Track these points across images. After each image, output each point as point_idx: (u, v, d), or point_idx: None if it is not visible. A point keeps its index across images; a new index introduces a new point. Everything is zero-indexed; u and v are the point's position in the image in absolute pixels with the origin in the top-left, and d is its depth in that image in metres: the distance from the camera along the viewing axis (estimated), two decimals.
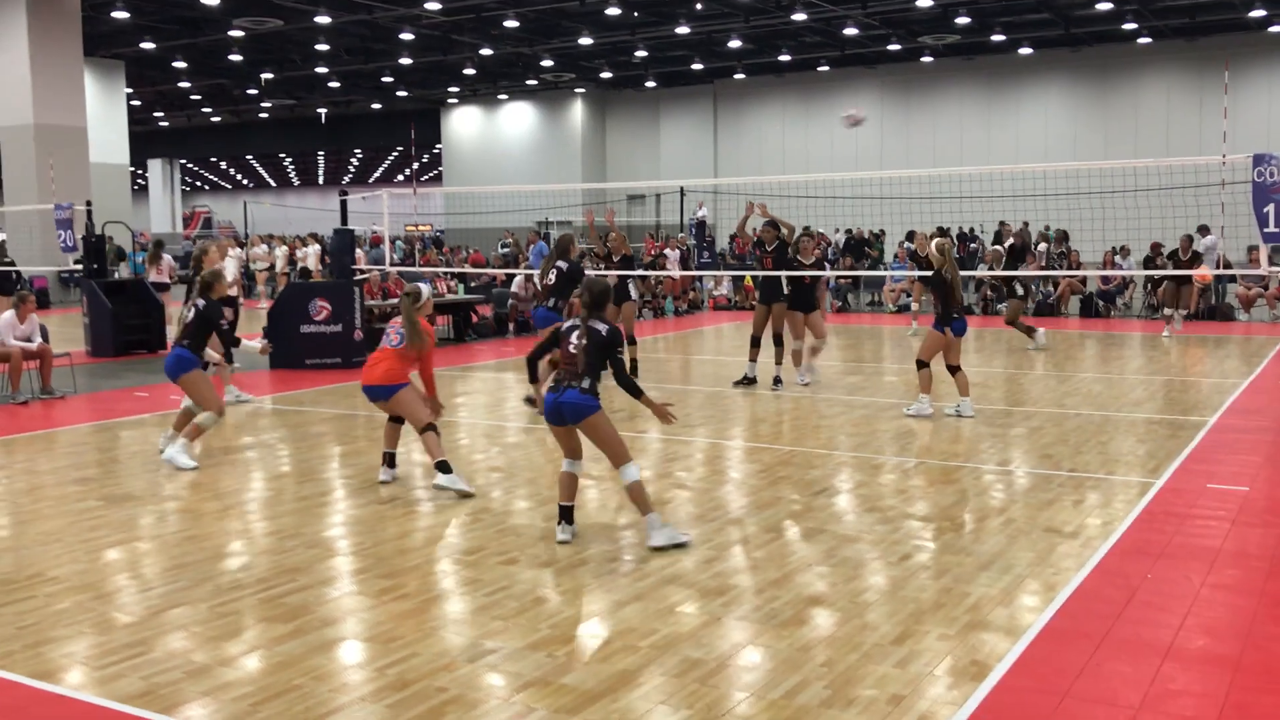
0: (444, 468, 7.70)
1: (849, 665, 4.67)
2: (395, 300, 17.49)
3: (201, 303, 8.98)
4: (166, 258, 18.29)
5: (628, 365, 12.61)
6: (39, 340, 12.35)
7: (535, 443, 9.74)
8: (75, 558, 6.31)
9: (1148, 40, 33.74)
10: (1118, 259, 22.18)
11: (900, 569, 5.96)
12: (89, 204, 18.29)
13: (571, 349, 6.44)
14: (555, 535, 6.54)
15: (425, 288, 8.13)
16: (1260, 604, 5.40)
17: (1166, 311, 18.63)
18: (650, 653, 4.82)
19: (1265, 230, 10.21)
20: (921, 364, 10.68)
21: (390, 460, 8.16)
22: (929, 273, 10.98)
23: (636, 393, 6.61)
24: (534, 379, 10.56)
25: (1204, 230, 21.79)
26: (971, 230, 29.11)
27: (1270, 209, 10.07)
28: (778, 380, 12.42)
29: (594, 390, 6.42)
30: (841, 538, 6.56)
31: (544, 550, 6.37)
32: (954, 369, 10.62)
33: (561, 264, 11.26)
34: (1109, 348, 16.58)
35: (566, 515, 6.55)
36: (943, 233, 26.13)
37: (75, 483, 8.23)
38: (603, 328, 6.45)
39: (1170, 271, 20.91)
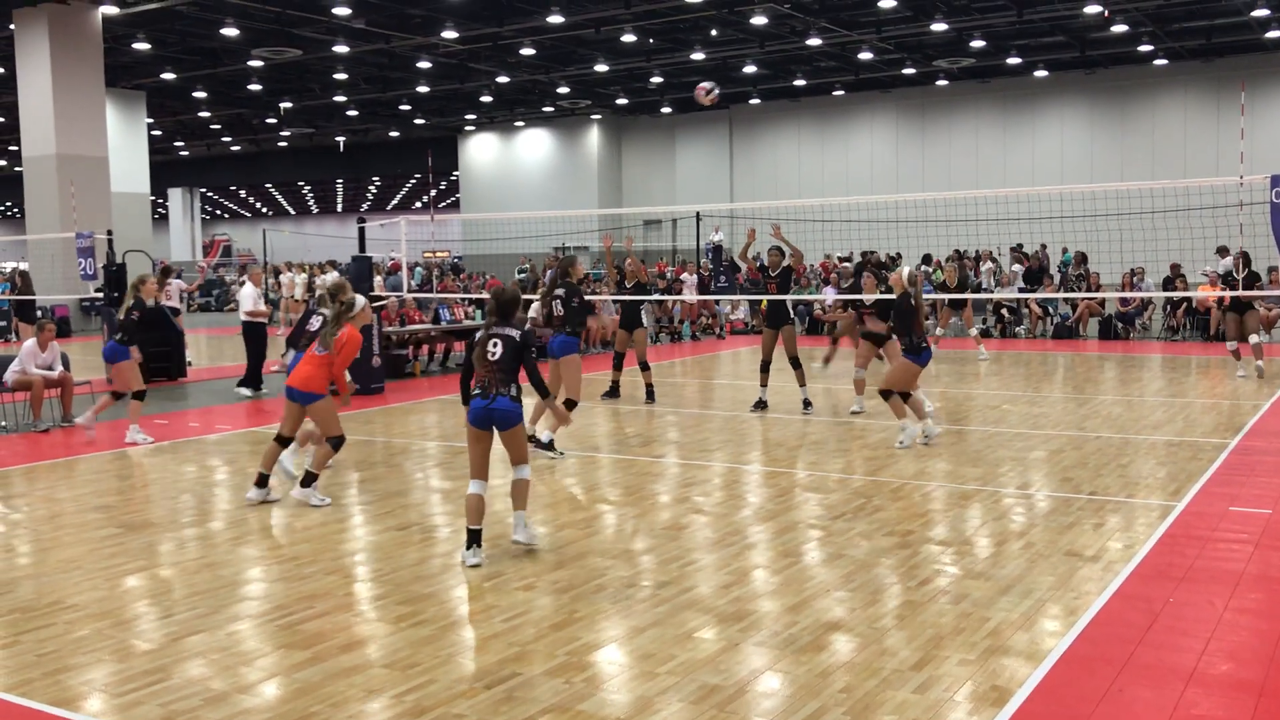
0: (308, 480, 8.17)
1: (868, 691, 4.64)
2: (415, 326, 17.57)
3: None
4: (175, 282, 18.46)
5: (619, 387, 12.64)
6: (60, 369, 12.45)
7: (546, 468, 9.74)
8: (95, 585, 6.34)
9: (1164, 62, 33.70)
10: (1135, 280, 22.10)
11: (919, 593, 5.92)
12: (110, 233, 18.46)
13: (490, 358, 6.74)
14: (465, 561, 6.61)
15: (361, 299, 8.41)
16: None
17: (1230, 346, 15.57)
18: (668, 679, 4.80)
19: None
20: (887, 393, 10.30)
21: (263, 481, 8.36)
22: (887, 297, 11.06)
23: (545, 393, 7.13)
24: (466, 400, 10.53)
25: (1223, 251, 21.72)
26: (990, 253, 29.07)
27: None
28: (807, 403, 12.47)
29: (520, 397, 6.84)
30: (860, 562, 6.53)
31: (562, 575, 6.37)
32: (906, 395, 10.34)
33: (560, 290, 10.60)
34: (1128, 370, 16.49)
35: (476, 539, 6.67)
36: (960, 256, 26.15)
37: (95, 510, 8.27)
38: (515, 333, 6.85)
39: (1188, 293, 20.84)
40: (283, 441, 8.38)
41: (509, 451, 6.97)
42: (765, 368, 12.71)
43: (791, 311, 12.27)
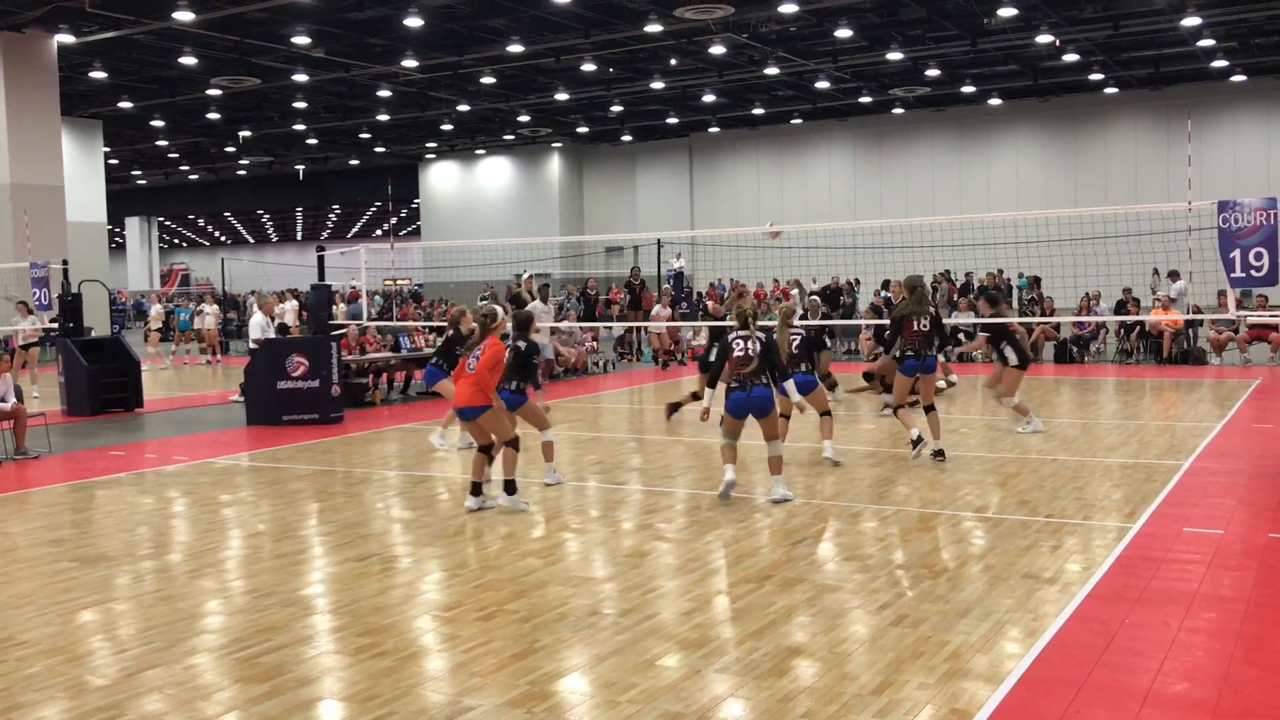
0: (510, 488, 8.78)
1: (829, 716, 4.65)
2: (375, 355, 17.49)
3: (523, 344, 9.74)
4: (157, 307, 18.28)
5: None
6: (13, 400, 12.26)
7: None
8: (48, 620, 6.24)
9: (1114, 90, 34.39)
10: (1092, 305, 22.42)
11: (880, 617, 5.96)
12: (65, 262, 18.26)
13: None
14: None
15: (499, 309, 9.17)
16: (1237, 647, 5.42)
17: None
18: (630, 707, 4.79)
19: (1232, 275, 10.38)
20: (898, 407, 10.84)
21: (476, 489, 8.90)
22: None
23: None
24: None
25: (1174, 275, 22.11)
26: (947, 273, 29.40)
27: (1236, 254, 10.25)
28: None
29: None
30: (821, 587, 6.56)
31: (523, 605, 6.35)
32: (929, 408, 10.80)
33: (520, 343, 9.76)
34: (1083, 393, 16.71)
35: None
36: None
37: (49, 544, 8.14)
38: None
39: (1141, 317, 21.17)
40: (485, 451, 8.96)
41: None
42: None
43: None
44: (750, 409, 8.71)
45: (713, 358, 10.26)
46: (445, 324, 11.93)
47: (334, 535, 8.28)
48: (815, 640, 5.62)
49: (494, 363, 8.71)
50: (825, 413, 10.76)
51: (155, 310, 28.10)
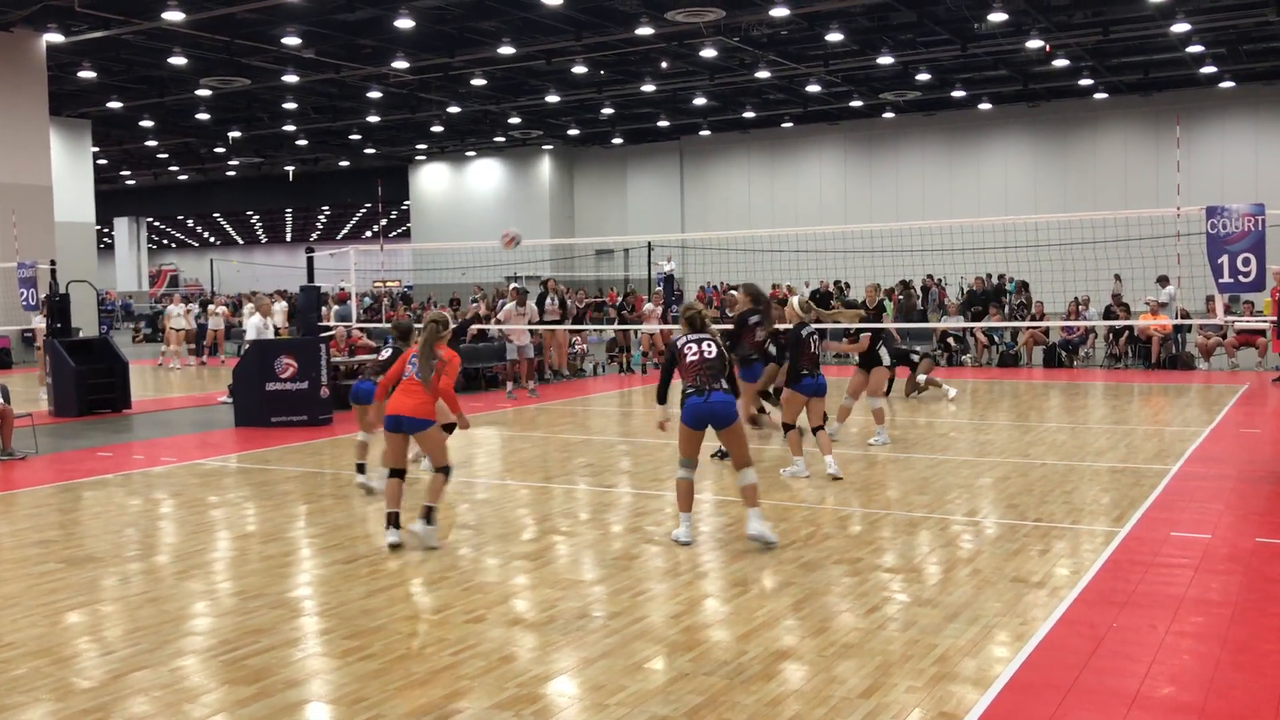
0: (429, 516, 7.77)
1: (817, 719, 4.65)
2: (362, 357, 17.44)
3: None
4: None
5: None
6: (0, 401, 12.20)
7: (504, 498, 9.70)
8: (34, 622, 6.21)
9: (1104, 96, 34.51)
10: (1081, 310, 22.48)
11: (868, 621, 5.96)
12: (53, 263, 18.19)
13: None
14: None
15: (445, 316, 8.22)
16: (1224, 650, 5.44)
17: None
18: (619, 709, 4.79)
19: (1220, 280, 10.42)
20: (788, 427, 10.31)
21: (395, 520, 7.86)
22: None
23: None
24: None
25: (1164, 281, 22.18)
26: (940, 280, 29.48)
27: (1224, 260, 10.29)
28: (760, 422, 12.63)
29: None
30: (810, 590, 6.56)
31: (511, 608, 6.34)
32: (816, 429, 10.32)
33: (400, 346, 9.37)
34: (1072, 398, 16.75)
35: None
36: (906, 286, 26.49)
37: (35, 545, 8.10)
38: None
39: (1130, 322, 21.25)
40: (399, 475, 7.92)
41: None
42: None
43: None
44: (710, 418, 7.63)
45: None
46: (392, 333, 9.82)
47: (322, 537, 8.26)
48: (803, 644, 5.62)
49: (454, 374, 7.96)
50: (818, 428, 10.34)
51: (176, 310, 28.13)
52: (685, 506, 7.83)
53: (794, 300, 10.65)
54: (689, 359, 7.79)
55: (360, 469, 10.06)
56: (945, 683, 5.04)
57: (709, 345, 7.81)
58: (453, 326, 8.40)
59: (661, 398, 8.08)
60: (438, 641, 5.78)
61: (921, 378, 16.45)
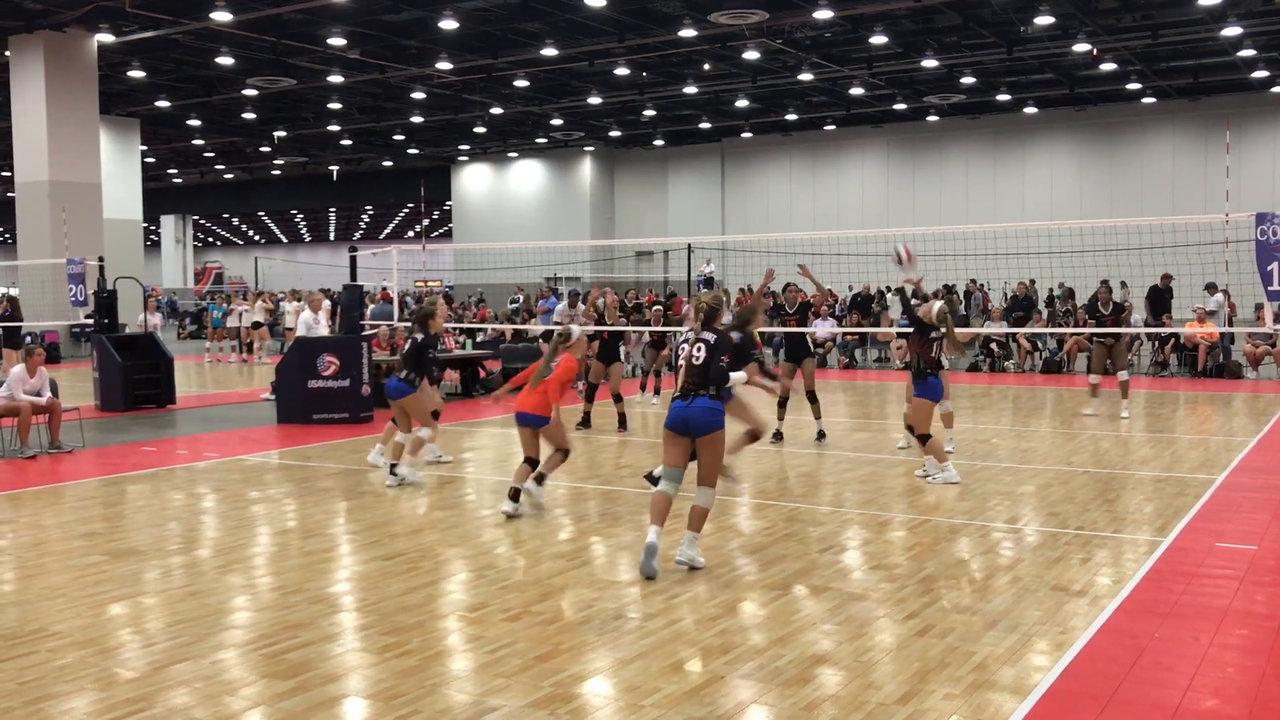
0: (540, 480, 9.04)
1: None
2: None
3: (420, 337, 10.40)
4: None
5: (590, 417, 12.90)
6: (48, 395, 12.41)
7: (543, 498, 9.74)
8: (79, 613, 6.31)
9: (1152, 100, 34.07)
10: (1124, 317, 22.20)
11: (906, 627, 5.92)
12: (101, 259, 18.47)
13: (694, 361, 7.25)
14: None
15: (576, 328, 9.28)
16: (1269, 664, 5.35)
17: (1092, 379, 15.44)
18: (653, 711, 4.79)
19: (1270, 288, 10.26)
20: (925, 437, 10.12)
21: (516, 495, 8.83)
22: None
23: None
24: None
25: (1212, 288, 21.86)
26: (982, 285, 29.21)
27: (1274, 267, 10.13)
28: (821, 434, 12.84)
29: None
30: (847, 595, 6.53)
31: (548, 607, 6.35)
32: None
33: (418, 335, 10.51)
34: (1115, 405, 16.53)
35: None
36: (949, 290, 26.27)
37: (81, 537, 8.23)
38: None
39: (1175, 329, 20.95)
40: (531, 463, 8.97)
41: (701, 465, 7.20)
42: (783, 403, 12.78)
43: (812, 346, 12.37)
44: (688, 424, 7.08)
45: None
46: (412, 323, 10.97)
47: (361, 534, 8.32)
48: (840, 648, 5.59)
49: (567, 376, 8.91)
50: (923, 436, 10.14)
51: (245, 307, 28.56)
52: (656, 520, 7.11)
53: (937, 305, 10.26)
54: (680, 359, 7.35)
55: (392, 469, 10.31)
56: (983, 690, 4.99)
57: (699, 347, 7.19)
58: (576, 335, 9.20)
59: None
60: (474, 639, 5.80)
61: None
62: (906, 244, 10.67)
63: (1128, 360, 15.02)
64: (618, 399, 14.12)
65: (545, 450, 9.11)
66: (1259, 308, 19.36)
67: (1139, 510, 8.90)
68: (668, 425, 7.21)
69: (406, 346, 10.63)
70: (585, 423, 14.17)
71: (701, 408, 7.06)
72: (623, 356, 14.15)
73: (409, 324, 11.34)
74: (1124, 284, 22.70)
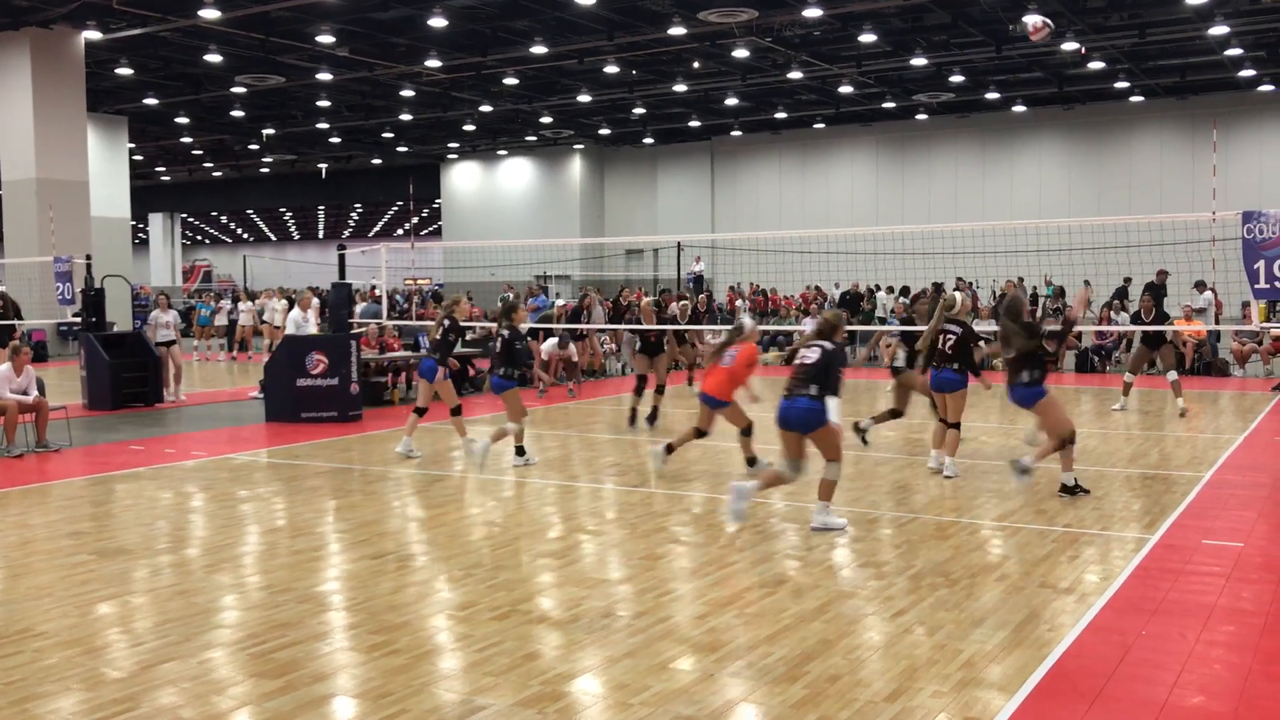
0: (752, 462, 10.31)
1: None
2: (393, 354, 17.55)
3: (507, 332, 10.97)
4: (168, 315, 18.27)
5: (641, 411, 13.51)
6: (35, 393, 12.36)
7: (531, 496, 9.73)
8: (65, 612, 6.28)
9: (1140, 99, 34.16)
10: (1113, 315, 22.27)
11: (894, 624, 5.93)
12: (89, 257, 18.39)
13: (806, 361, 8.15)
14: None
15: (749, 320, 10.32)
16: (1255, 660, 5.38)
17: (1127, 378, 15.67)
18: (642, 709, 4.79)
19: (1256, 286, 10.30)
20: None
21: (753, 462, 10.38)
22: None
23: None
24: None
25: (1200, 286, 21.95)
26: (971, 284, 29.29)
27: (1260, 265, 10.17)
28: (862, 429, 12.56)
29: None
30: (836, 593, 6.54)
31: (536, 606, 6.35)
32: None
33: (505, 331, 11.03)
34: (1104, 402, 16.59)
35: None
36: (938, 289, 26.33)
37: (68, 536, 8.20)
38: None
39: (1162, 327, 21.00)
40: (702, 435, 10.23)
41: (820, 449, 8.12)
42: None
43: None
44: (790, 422, 8.02)
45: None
46: (441, 313, 11.99)
47: (350, 533, 8.31)
48: (829, 646, 5.60)
49: (748, 362, 9.90)
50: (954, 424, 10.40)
51: (246, 307, 28.50)
52: (763, 483, 8.44)
53: (959, 295, 10.79)
54: (795, 361, 8.30)
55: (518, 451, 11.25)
56: (971, 688, 5.01)
57: (815, 351, 8.10)
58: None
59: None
60: (463, 638, 5.80)
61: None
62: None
63: (1172, 361, 15.25)
64: (660, 390, 14.34)
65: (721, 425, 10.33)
66: (1245, 305, 19.44)
67: (1127, 508, 8.94)
68: (777, 422, 8.18)
69: (498, 343, 11.03)
70: (645, 418, 14.08)
71: (802, 408, 7.95)
72: (665, 349, 14.57)
73: (442, 320, 11.71)
74: (1086, 282, 22.68)
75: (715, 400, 9.98)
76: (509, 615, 6.15)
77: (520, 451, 11.24)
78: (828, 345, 8.15)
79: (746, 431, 10.38)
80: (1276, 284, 10.26)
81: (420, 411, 11.86)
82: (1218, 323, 19.90)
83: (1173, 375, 15.00)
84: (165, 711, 4.81)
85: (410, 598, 6.57)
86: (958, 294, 10.73)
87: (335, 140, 42.79)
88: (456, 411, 11.91)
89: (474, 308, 26.35)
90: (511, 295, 30.19)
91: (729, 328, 10.61)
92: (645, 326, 14.69)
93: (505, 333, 11.02)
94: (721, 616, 6.13)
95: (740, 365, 9.93)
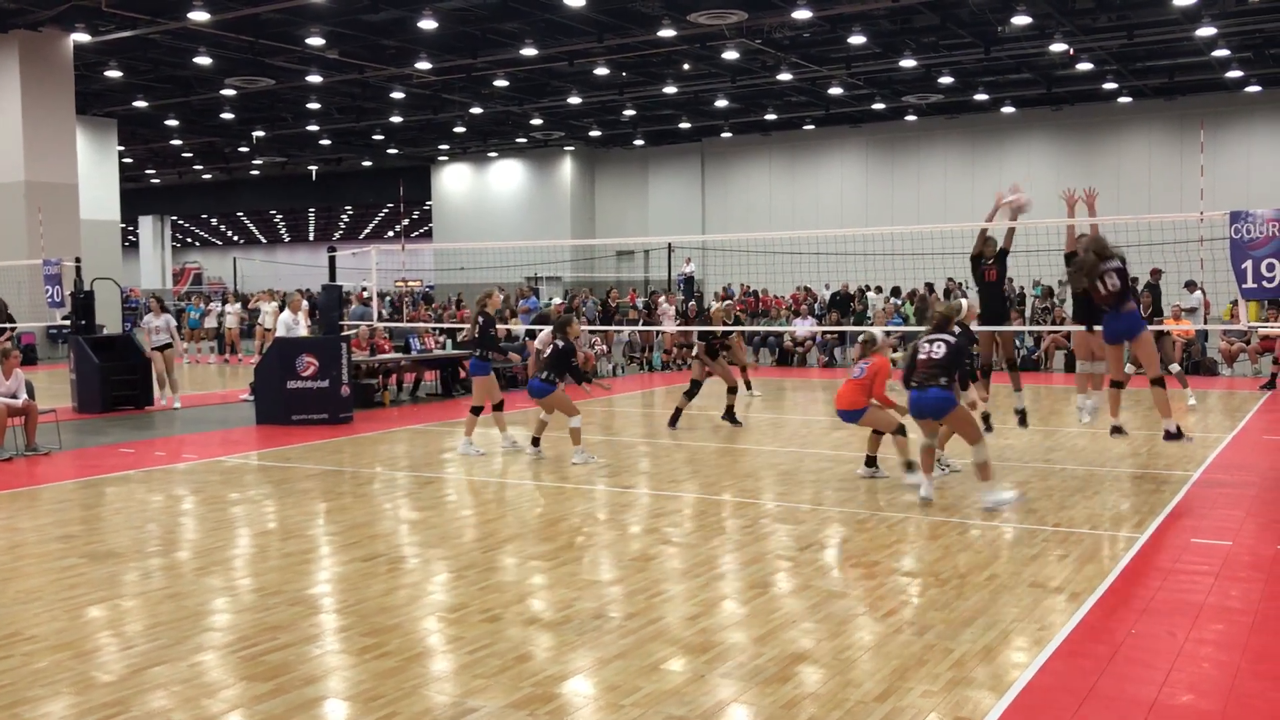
0: (911, 467, 9.75)
1: None
2: (384, 356, 17.53)
3: (561, 343, 11.42)
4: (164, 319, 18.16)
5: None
6: (24, 397, 12.31)
7: (522, 498, 9.73)
8: (55, 616, 6.27)
9: (1128, 100, 34.29)
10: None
11: (885, 625, 5.95)
12: (78, 260, 18.34)
13: (934, 356, 8.81)
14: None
15: (879, 332, 10.27)
16: (1244, 659, 5.40)
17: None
18: (634, 710, 4.80)
19: (1244, 286, 10.34)
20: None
21: (871, 462, 10.39)
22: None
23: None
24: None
25: (1191, 286, 22.02)
26: (961, 285, 29.32)
27: (1248, 265, 10.21)
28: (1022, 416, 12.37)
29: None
30: (827, 593, 6.55)
31: (527, 608, 6.36)
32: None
33: (559, 342, 11.64)
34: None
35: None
36: (930, 290, 26.39)
37: (57, 540, 8.18)
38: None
39: (1153, 327, 21.08)
40: (879, 433, 10.15)
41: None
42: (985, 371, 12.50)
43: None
44: (922, 410, 8.83)
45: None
46: (474, 309, 12.47)
47: (341, 535, 8.30)
48: (820, 646, 5.61)
49: (878, 372, 9.84)
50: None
51: (233, 309, 28.45)
52: (926, 469, 9.18)
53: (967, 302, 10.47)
54: (920, 356, 8.88)
55: (534, 442, 11.84)
56: (961, 687, 5.02)
57: (939, 346, 8.83)
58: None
59: (905, 383, 9.06)
60: (454, 640, 5.80)
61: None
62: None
63: (1172, 354, 15.54)
64: (732, 390, 14.45)
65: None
66: (1234, 305, 19.52)
67: (1116, 507, 8.97)
68: (911, 412, 8.98)
69: (549, 351, 11.65)
70: (730, 416, 14.31)
71: (934, 397, 8.69)
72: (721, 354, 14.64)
73: (477, 316, 12.28)
74: (1061, 282, 22.71)
75: (848, 413, 9.97)
76: (500, 617, 6.15)
77: (535, 443, 11.84)
78: (949, 338, 8.88)
79: (900, 431, 10.02)
80: (1264, 284, 10.29)
81: (476, 410, 12.21)
82: (1205, 323, 19.96)
83: (1175, 368, 15.09)
84: (156, 715, 4.80)
85: (401, 600, 6.56)
86: (964, 300, 10.28)
87: (325, 142, 42.74)
88: (476, 411, 12.22)
89: (463, 309, 26.21)
90: (559, 308, 30.23)
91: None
92: (713, 327, 14.73)
93: (559, 344, 11.54)
94: (713, 617, 6.14)
95: (873, 377, 9.87)
